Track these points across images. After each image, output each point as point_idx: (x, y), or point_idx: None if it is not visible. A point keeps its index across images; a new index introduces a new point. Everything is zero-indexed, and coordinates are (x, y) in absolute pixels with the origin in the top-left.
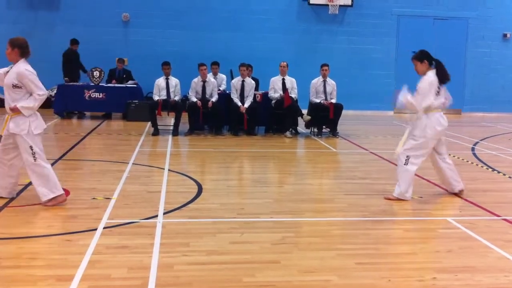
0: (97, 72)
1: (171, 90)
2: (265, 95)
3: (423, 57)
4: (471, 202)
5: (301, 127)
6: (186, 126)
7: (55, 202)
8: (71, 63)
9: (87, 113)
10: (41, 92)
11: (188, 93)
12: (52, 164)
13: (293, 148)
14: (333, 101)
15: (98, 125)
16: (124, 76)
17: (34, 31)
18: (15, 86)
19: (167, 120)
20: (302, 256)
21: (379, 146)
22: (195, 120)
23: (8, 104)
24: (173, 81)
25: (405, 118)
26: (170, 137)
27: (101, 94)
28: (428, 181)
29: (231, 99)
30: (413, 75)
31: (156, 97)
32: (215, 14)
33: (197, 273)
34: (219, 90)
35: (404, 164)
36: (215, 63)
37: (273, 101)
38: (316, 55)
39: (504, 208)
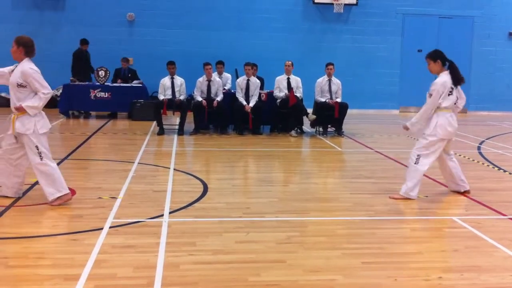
0: (102, 71)
1: (176, 89)
2: (270, 94)
3: (436, 56)
4: (477, 201)
5: (306, 126)
6: (191, 126)
7: (61, 201)
8: (81, 63)
9: (93, 113)
10: (46, 91)
11: (193, 93)
12: (58, 164)
13: (298, 147)
14: (338, 100)
15: (104, 125)
16: (130, 75)
17: (39, 31)
18: (19, 85)
19: (173, 119)
20: (308, 256)
21: (384, 145)
22: (200, 119)
23: (14, 103)
24: (178, 80)
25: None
26: (175, 136)
27: (106, 93)
28: (434, 180)
29: (236, 99)
30: (417, 74)
31: (161, 97)
32: (220, 14)
33: (203, 273)
34: (224, 89)
35: (415, 164)
36: (220, 63)
37: (278, 100)
38: (321, 54)
39: (510, 207)
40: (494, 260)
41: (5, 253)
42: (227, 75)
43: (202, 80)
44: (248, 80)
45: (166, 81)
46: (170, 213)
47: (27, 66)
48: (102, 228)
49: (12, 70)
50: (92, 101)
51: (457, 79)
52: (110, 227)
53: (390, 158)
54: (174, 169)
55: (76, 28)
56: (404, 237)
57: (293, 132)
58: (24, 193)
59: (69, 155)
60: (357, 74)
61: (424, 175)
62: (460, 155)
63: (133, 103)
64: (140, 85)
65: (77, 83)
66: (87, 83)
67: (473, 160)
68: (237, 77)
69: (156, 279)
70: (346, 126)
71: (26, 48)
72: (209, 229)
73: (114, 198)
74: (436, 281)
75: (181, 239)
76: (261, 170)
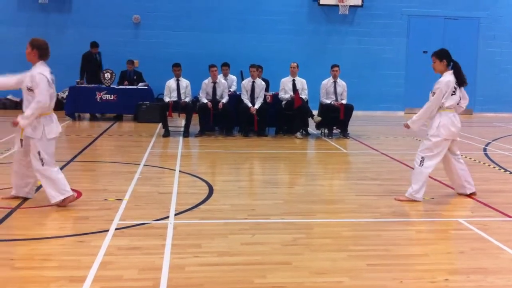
0: (108, 74)
1: (181, 91)
2: (275, 96)
3: (443, 56)
4: (483, 203)
5: (311, 128)
6: (197, 127)
7: (64, 203)
8: (90, 65)
9: (98, 115)
10: (40, 99)
11: (199, 94)
12: (64, 166)
13: (304, 149)
14: (344, 102)
15: (110, 127)
16: (135, 77)
17: (45, 33)
18: (29, 89)
19: (178, 121)
20: (314, 258)
21: (390, 147)
22: (206, 121)
23: (25, 106)
24: (184, 82)
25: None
26: (180, 138)
27: (112, 95)
28: (440, 182)
29: (242, 100)
30: (422, 75)
31: (166, 99)
32: (225, 16)
33: (208, 274)
34: (229, 91)
35: (419, 166)
36: (226, 64)
37: (284, 102)
38: (326, 56)
39: None
40: (501, 262)
41: (11, 254)
42: (233, 77)
43: (207, 82)
44: (253, 82)
45: (171, 83)
46: (175, 215)
47: (38, 70)
48: (108, 230)
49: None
50: (98, 103)
51: (461, 80)
52: (116, 229)
53: (395, 160)
54: (180, 171)
55: (82, 30)
56: (410, 239)
57: (298, 134)
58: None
59: (75, 157)
60: (363, 75)
61: (430, 176)
62: (466, 157)
63: (139, 105)
64: (146, 87)
65: (83, 85)
66: (93, 85)
67: (479, 161)
68: (242, 79)
69: (162, 280)
70: (351, 128)
71: (40, 51)
72: (215, 231)
73: (120, 200)
74: (442, 283)
75: (186, 241)
76: (266, 172)
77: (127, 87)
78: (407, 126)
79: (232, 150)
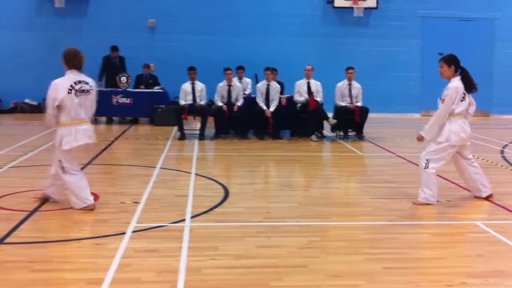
0: (124, 77)
1: (197, 94)
2: (290, 99)
3: (451, 61)
4: (501, 206)
5: (326, 131)
6: (212, 131)
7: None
8: (108, 69)
9: (115, 118)
10: (48, 111)
11: (214, 98)
12: (81, 169)
13: (319, 151)
14: (359, 104)
15: (126, 130)
16: (151, 81)
17: (62, 38)
18: None
19: (193, 124)
20: (330, 260)
21: (406, 149)
22: (221, 124)
23: None
24: (199, 85)
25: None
26: (196, 141)
27: (128, 99)
28: (456, 184)
29: (257, 103)
30: (438, 77)
31: (182, 102)
32: (240, 19)
33: (225, 277)
34: (244, 94)
35: (425, 168)
36: (240, 68)
37: (299, 105)
38: (341, 58)
39: None
40: None
41: (30, 257)
42: (247, 80)
43: (222, 85)
44: (268, 84)
45: (186, 86)
46: (191, 217)
47: (60, 79)
48: (125, 233)
49: None
50: (114, 106)
51: (470, 87)
52: (133, 232)
53: (411, 162)
54: (195, 174)
55: (98, 34)
56: (426, 242)
57: (313, 137)
58: (48, 198)
59: (92, 160)
60: (378, 78)
61: (447, 179)
62: (482, 159)
63: (155, 108)
64: (161, 90)
65: (99, 88)
66: (109, 89)
67: (496, 164)
68: (257, 82)
69: (179, 283)
70: (366, 130)
71: (65, 59)
72: (231, 234)
73: (137, 202)
74: (459, 287)
75: (203, 244)
76: (281, 175)
77: (143, 90)
78: (421, 138)
79: (247, 153)
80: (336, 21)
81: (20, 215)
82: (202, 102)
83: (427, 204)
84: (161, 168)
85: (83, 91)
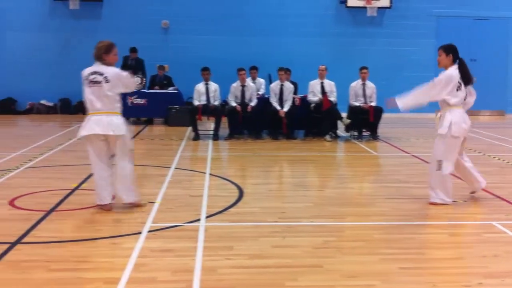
0: (138, 78)
1: (210, 95)
2: (303, 99)
3: (450, 50)
4: None
5: (340, 131)
6: (226, 131)
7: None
8: (124, 69)
9: (130, 119)
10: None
11: (228, 98)
12: None
13: (333, 151)
14: (373, 104)
15: (141, 131)
16: (165, 82)
17: (75, 39)
18: None
19: (207, 124)
20: (345, 261)
21: (421, 149)
22: (235, 124)
23: None
24: (213, 86)
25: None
26: (210, 141)
27: (143, 100)
28: None
29: (270, 103)
30: None
31: (196, 102)
32: (253, 20)
33: (240, 277)
34: (258, 94)
35: (437, 170)
36: (254, 68)
37: (312, 105)
38: (355, 58)
39: None
40: None
41: (47, 256)
42: (261, 80)
43: (236, 85)
44: (281, 85)
45: (200, 87)
46: (206, 217)
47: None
48: (140, 232)
49: None
50: (129, 107)
51: (466, 78)
52: (149, 231)
53: (427, 162)
54: (210, 174)
55: (112, 36)
56: (442, 242)
57: (327, 137)
58: (64, 198)
59: None
60: (391, 77)
61: (463, 180)
62: (499, 159)
63: (169, 109)
64: (175, 91)
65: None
66: None
67: None
68: (271, 82)
69: (194, 282)
70: (381, 130)
71: (94, 52)
72: (246, 234)
73: (152, 202)
74: (476, 287)
75: (218, 243)
76: (296, 175)
77: (157, 91)
78: (392, 103)
79: (261, 153)
80: (350, 21)
81: (37, 215)
82: (216, 103)
83: (443, 204)
84: (176, 168)
85: (95, 82)
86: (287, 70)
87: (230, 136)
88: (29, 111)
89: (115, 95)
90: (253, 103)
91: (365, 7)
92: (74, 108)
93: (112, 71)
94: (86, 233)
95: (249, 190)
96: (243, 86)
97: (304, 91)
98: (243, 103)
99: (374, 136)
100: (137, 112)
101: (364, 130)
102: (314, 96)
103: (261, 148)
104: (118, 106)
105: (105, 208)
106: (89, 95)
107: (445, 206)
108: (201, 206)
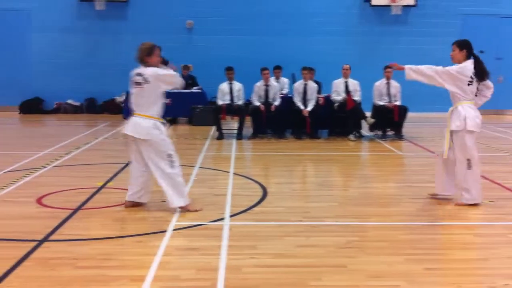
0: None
1: (234, 94)
2: (327, 98)
3: (464, 45)
4: None
5: (364, 130)
6: (250, 130)
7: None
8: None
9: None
10: None
11: (251, 97)
12: (123, 168)
13: (357, 151)
14: (398, 103)
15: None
16: (190, 82)
17: (102, 40)
18: None
19: (231, 124)
20: (369, 261)
21: None
22: (258, 124)
23: None
24: (237, 85)
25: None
26: (234, 141)
27: (167, 99)
28: (499, 184)
29: (294, 103)
30: None
31: (220, 102)
32: (276, 19)
33: (264, 276)
34: (281, 94)
35: (468, 169)
36: (278, 67)
37: (336, 104)
38: (379, 57)
39: None
40: None
41: (74, 254)
42: (285, 80)
43: (259, 85)
44: (305, 84)
45: (224, 86)
46: (230, 216)
47: None
48: (165, 231)
49: None
50: None
51: (480, 74)
52: (174, 230)
53: None
54: (234, 173)
55: (137, 36)
56: (468, 243)
57: (351, 136)
58: (91, 196)
59: None
60: None
61: (489, 180)
62: None
63: (193, 108)
64: (200, 91)
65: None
66: None
67: None
68: (294, 82)
69: (219, 281)
70: (405, 129)
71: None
72: (270, 233)
73: (164, 202)
74: None
75: (242, 242)
76: (320, 174)
77: (182, 91)
78: (398, 67)
79: (285, 153)
80: (374, 20)
81: (64, 213)
82: (240, 102)
83: (471, 204)
84: (200, 167)
85: (137, 83)
86: (311, 70)
87: (254, 136)
88: (56, 111)
89: (155, 98)
90: (277, 102)
91: (389, 6)
92: (99, 107)
93: (150, 71)
94: (112, 231)
95: (272, 189)
96: (266, 85)
97: (328, 91)
98: (266, 103)
99: (398, 135)
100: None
101: (388, 129)
102: (338, 96)
103: (285, 147)
104: (154, 109)
105: (124, 204)
106: (132, 96)
107: (470, 207)
108: (225, 205)
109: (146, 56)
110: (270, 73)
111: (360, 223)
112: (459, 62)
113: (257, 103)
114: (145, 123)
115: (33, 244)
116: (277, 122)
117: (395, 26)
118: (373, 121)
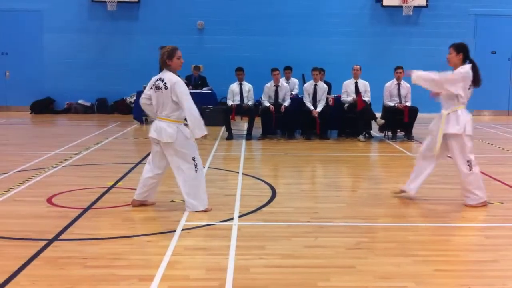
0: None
1: (244, 95)
2: (337, 99)
3: (461, 49)
4: None
5: (374, 131)
6: (259, 131)
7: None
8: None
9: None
10: None
11: (261, 98)
12: (132, 168)
13: (367, 152)
14: (408, 104)
15: None
16: (200, 82)
17: (114, 40)
18: None
19: (241, 124)
20: (378, 262)
21: None
22: (268, 124)
23: None
24: (246, 86)
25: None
26: (243, 141)
27: None
28: (509, 186)
29: (304, 103)
30: (490, 76)
31: (230, 102)
32: (287, 20)
33: (272, 276)
34: (291, 94)
35: (469, 171)
36: (288, 68)
37: (346, 105)
38: (390, 58)
39: None
40: None
41: (83, 253)
42: (295, 80)
43: (269, 85)
44: (315, 85)
45: (234, 87)
46: (239, 216)
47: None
48: (175, 231)
49: None
50: None
51: (476, 80)
52: (183, 230)
53: None
54: (243, 174)
55: (148, 37)
56: (478, 244)
57: (361, 137)
58: (101, 196)
59: (142, 159)
60: None
61: (500, 181)
62: None
63: (203, 108)
64: (210, 91)
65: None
66: None
67: None
68: (304, 82)
69: (227, 281)
70: (416, 130)
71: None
72: (278, 233)
73: (173, 201)
74: None
75: (250, 243)
76: (329, 175)
77: (192, 91)
78: (410, 73)
79: (294, 153)
80: (385, 20)
81: (74, 212)
82: (250, 103)
83: (480, 206)
84: (210, 167)
85: (158, 88)
86: (321, 70)
87: (263, 136)
88: (67, 111)
89: (175, 103)
90: (287, 103)
91: (401, 6)
92: (110, 108)
93: (170, 79)
94: (122, 230)
95: (281, 190)
96: (276, 86)
97: (338, 91)
98: (276, 103)
99: (408, 136)
100: None
101: (398, 130)
102: (348, 96)
103: (294, 148)
104: (176, 114)
105: (132, 203)
106: (154, 100)
107: (481, 208)
108: (234, 205)
109: (167, 59)
110: (280, 73)
111: (369, 224)
112: (455, 66)
113: (267, 104)
114: (169, 126)
115: (43, 243)
116: (286, 123)
117: (406, 26)
118: (383, 122)
